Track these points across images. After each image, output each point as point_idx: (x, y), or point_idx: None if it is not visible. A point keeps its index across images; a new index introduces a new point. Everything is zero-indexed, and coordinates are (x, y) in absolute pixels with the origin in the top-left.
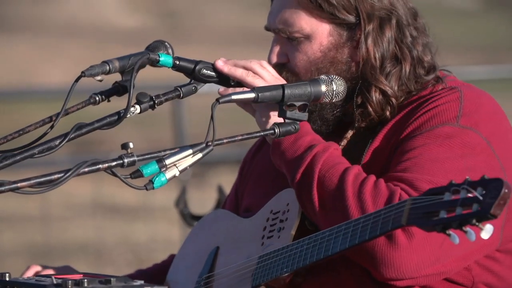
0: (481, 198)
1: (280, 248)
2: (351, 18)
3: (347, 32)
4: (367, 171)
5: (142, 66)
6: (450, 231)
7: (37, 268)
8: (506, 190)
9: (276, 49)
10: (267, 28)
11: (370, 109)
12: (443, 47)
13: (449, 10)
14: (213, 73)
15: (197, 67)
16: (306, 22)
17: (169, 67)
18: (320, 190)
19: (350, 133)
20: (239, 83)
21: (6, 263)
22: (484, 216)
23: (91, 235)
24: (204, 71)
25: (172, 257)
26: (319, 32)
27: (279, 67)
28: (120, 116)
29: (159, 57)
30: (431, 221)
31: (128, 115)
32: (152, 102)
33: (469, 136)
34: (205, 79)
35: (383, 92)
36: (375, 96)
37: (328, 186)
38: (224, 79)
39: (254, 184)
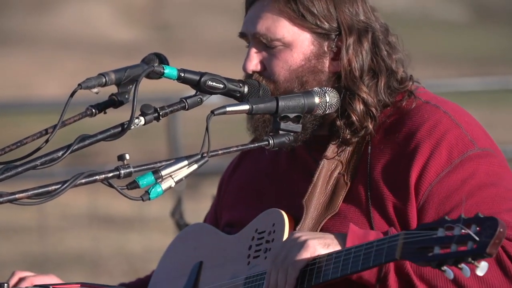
0: (476, 238)
1: (267, 270)
2: (331, 29)
3: (327, 42)
4: (376, 187)
5: (149, 77)
6: (445, 267)
7: (22, 274)
8: (501, 230)
9: (253, 56)
10: (243, 34)
11: (354, 118)
12: (432, 59)
13: (439, 23)
14: (219, 85)
15: (203, 79)
16: (287, 31)
17: (173, 79)
18: None
19: (331, 148)
20: (243, 95)
21: (3, 273)
22: (480, 255)
23: (87, 245)
24: (210, 82)
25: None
26: (300, 41)
27: (256, 75)
28: (124, 128)
29: (164, 69)
30: (426, 256)
31: (132, 127)
32: (156, 114)
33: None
34: (211, 91)
35: (365, 103)
36: (358, 106)
37: None
38: (229, 91)
39: (234, 199)
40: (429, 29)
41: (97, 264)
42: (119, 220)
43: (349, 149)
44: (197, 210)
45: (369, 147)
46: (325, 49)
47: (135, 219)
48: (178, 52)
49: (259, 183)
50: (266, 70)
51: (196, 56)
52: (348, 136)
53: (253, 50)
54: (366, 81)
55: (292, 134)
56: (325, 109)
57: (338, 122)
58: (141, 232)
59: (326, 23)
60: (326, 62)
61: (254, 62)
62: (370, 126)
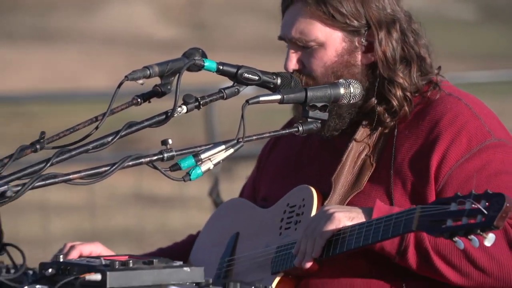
0: (485, 211)
1: (297, 240)
2: (361, 25)
3: (357, 38)
4: (399, 169)
5: (189, 70)
6: (457, 238)
7: (71, 244)
8: (508, 205)
9: (292, 56)
10: (281, 38)
11: (394, 103)
12: (445, 54)
13: (450, 21)
14: (254, 77)
15: (240, 71)
16: (320, 32)
17: (213, 72)
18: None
19: (361, 131)
20: (276, 86)
21: (56, 248)
22: (488, 227)
23: (132, 222)
24: (246, 74)
25: (190, 237)
26: (333, 40)
27: (297, 73)
28: (167, 116)
29: (204, 62)
30: (439, 228)
31: (175, 115)
32: (197, 103)
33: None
34: (247, 82)
35: (402, 88)
36: (398, 91)
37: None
38: (264, 82)
39: (270, 176)
40: (442, 27)
41: (142, 239)
42: (161, 199)
43: (376, 133)
44: (232, 190)
45: (395, 132)
46: (356, 44)
47: (175, 198)
48: (213, 48)
49: (293, 163)
50: (305, 67)
51: (229, 52)
52: (388, 120)
53: (291, 51)
54: (401, 69)
55: (319, 121)
56: (349, 99)
57: (378, 108)
58: (181, 210)
59: (355, 21)
60: (358, 56)
61: (293, 62)
62: (407, 109)
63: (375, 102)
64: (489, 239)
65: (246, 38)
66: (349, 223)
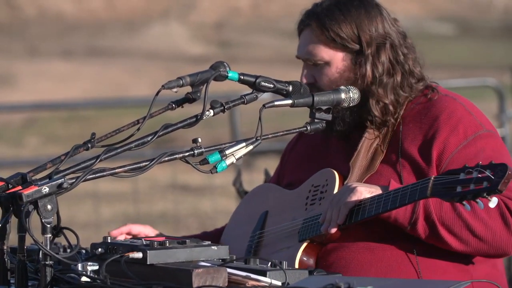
0: (492, 177)
1: (322, 212)
2: (357, 46)
3: (354, 56)
4: (406, 154)
5: (215, 80)
6: (465, 202)
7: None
8: (510, 172)
9: (305, 72)
10: (298, 57)
11: (375, 113)
12: (428, 65)
13: (432, 35)
14: (270, 85)
15: (257, 80)
16: (325, 53)
17: (235, 81)
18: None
19: (368, 132)
20: (288, 93)
21: (105, 231)
22: (493, 190)
23: (170, 207)
24: (263, 83)
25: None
26: (336, 59)
27: (310, 86)
28: (197, 118)
29: (228, 73)
30: (450, 193)
31: (204, 117)
32: (222, 107)
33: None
34: (264, 90)
35: (382, 102)
36: (375, 105)
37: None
38: (278, 90)
39: (295, 166)
40: (425, 41)
41: (177, 222)
42: (194, 188)
43: (384, 128)
44: (252, 180)
45: (401, 126)
46: (354, 61)
47: (205, 187)
48: (235, 61)
49: (315, 153)
50: (316, 81)
51: (249, 65)
52: (376, 126)
53: (305, 68)
54: (384, 80)
55: (324, 121)
56: (349, 102)
57: (369, 114)
58: (210, 197)
59: (352, 42)
60: (356, 71)
61: (307, 76)
62: (392, 120)
63: (367, 109)
64: (493, 201)
65: (263, 54)
66: (369, 195)
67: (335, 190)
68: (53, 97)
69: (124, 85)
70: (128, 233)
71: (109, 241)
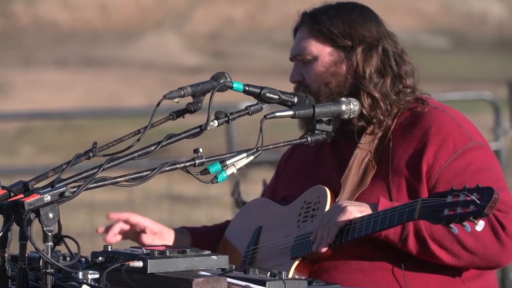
0: (478, 201)
1: (314, 230)
2: (348, 43)
3: (344, 53)
4: (396, 169)
5: (218, 90)
6: (452, 225)
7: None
8: (496, 196)
9: (294, 70)
10: (290, 59)
11: (363, 111)
12: (422, 78)
13: (427, 48)
14: (275, 96)
15: (262, 91)
16: (314, 46)
17: (240, 92)
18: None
19: (365, 137)
20: (293, 104)
21: (100, 240)
22: (479, 214)
23: (164, 217)
24: (268, 94)
25: (228, 222)
26: (323, 53)
27: (298, 84)
28: (201, 128)
29: (233, 84)
30: (438, 216)
31: (208, 128)
32: (227, 118)
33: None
34: (269, 101)
35: (371, 96)
36: (365, 99)
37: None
38: (283, 101)
39: (289, 181)
40: (419, 54)
41: None
42: (188, 198)
43: (376, 142)
44: (248, 190)
45: (391, 141)
46: (343, 57)
47: (200, 197)
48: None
49: (308, 167)
50: (304, 79)
51: (244, 76)
52: (362, 124)
53: (294, 66)
54: (374, 80)
55: (325, 133)
56: (350, 114)
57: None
58: (205, 207)
59: (342, 38)
60: (344, 67)
61: (295, 74)
62: (380, 117)
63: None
64: (480, 225)
65: (258, 65)
66: (359, 215)
67: (327, 208)
68: (47, 106)
69: (118, 95)
70: (125, 221)
71: (109, 249)
